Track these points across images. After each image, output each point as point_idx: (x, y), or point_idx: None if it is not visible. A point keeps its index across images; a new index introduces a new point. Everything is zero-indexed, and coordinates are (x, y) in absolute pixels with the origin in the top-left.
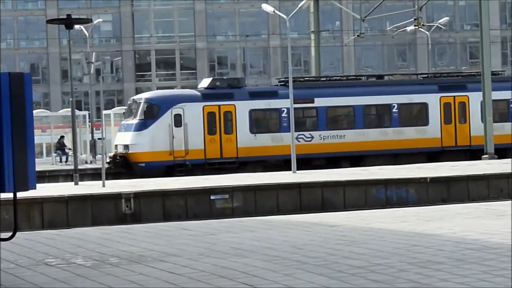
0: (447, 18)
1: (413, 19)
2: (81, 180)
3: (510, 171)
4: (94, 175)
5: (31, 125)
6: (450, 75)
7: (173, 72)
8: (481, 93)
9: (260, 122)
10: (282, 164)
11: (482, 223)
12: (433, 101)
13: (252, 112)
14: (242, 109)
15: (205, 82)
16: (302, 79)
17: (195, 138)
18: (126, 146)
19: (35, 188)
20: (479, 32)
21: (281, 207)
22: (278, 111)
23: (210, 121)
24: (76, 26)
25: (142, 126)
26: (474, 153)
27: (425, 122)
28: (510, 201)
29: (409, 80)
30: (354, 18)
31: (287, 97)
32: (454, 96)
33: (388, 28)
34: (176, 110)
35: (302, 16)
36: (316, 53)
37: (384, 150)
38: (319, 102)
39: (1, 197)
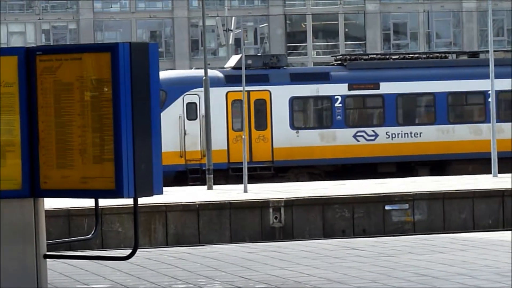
0: None
1: None
2: (216, 183)
3: None
4: (234, 176)
5: (157, 111)
6: None
7: (335, 43)
8: None
9: (305, 114)
10: (339, 171)
11: None
12: None
13: (294, 100)
14: (281, 96)
15: (232, 60)
16: (365, 57)
17: (215, 135)
18: None
19: (161, 192)
20: None
21: (478, 221)
22: (330, 99)
23: (236, 112)
24: None
25: None
26: None
27: None
28: None
29: None
30: None
31: (342, 80)
32: None
33: None
34: (189, 97)
35: None
36: None
37: (476, 153)
38: (387, 87)
39: (117, 203)
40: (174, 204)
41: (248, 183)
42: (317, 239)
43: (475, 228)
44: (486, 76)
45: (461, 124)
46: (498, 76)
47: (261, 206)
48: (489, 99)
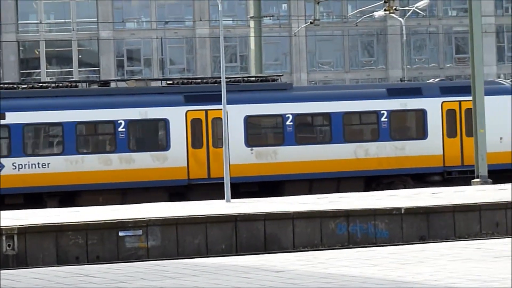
0: (427, 1)
1: (382, 2)
2: None
3: (509, 199)
4: None
5: None
6: (203, 81)
7: (69, 70)
8: (245, 105)
9: None
10: None
11: (473, 266)
12: (176, 116)
13: None
14: None
15: None
16: None
17: None
18: None
19: None
20: (468, 19)
21: (211, 246)
22: None
23: None
24: None
25: None
26: (235, 187)
27: (165, 146)
28: (509, 239)
29: (147, 88)
30: (306, 0)
31: None
32: (206, 110)
33: (350, 14)
34: None
35: None
36: (257, 46)
37: (107, 183)
38: (13, 117)
39: None
40: None
41: None
42: (50, 267)
43: (208, 253)
44: (116, 106)
45: (90, 154)
46: (127, 105)
47: None
48: (119, 129)
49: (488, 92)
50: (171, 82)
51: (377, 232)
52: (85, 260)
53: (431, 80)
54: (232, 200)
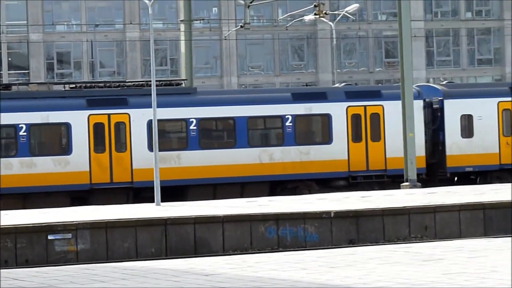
0: (357, 5)
1: (312, 6)
2: None
3: (437, 203)
4: None
5: None
6: (106, 85)
7: None
8: (149, 110)
9: None
10: None
11: (402, 270)
12: (78, 121)
13: None
14: None
15: None
16: None
17: None
18: None
19: None
20: (398, 23)
21: (140, 250)
22: None
23: None
24: None
25: None
26: (138, 192)
27: (67, 150)
28: (437, 242)
29: (49, 92)
30: (236, 4)
31: None
32: (108, 114)
33: (281, 18)
34: None
35: (169, 1)
36: (187, 49)
37: (8, 188)
38: None
39: None
40: None
41: None
42: None
43: (138, 256)
44: (18, 109)
45: None
46: (29, 109)
47: None
48: (20, 133)
49: (397, 97)
50: (73, 86)
51: (306, 236)
52: (14, 264)
53: (336, 85)
54: (162, 204)
